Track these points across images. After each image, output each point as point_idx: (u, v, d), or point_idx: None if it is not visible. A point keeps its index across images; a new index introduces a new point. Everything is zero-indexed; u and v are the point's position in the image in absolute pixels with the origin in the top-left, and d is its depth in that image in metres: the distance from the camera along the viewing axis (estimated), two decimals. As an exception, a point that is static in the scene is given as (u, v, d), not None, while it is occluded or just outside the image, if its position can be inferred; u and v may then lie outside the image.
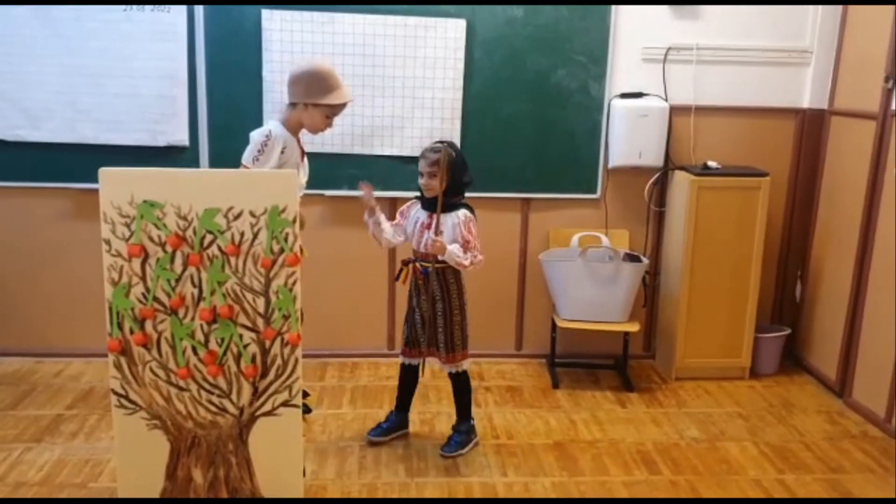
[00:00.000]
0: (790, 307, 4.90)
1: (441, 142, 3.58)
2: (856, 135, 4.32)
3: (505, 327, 4.88)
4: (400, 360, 3.81)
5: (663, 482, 3.52)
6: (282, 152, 3.35)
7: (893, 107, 4.00)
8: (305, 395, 3.93)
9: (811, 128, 4.65)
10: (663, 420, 4.12)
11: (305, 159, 3.62)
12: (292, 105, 3.45)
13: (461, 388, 3.77)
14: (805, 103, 4.65)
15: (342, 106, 3.47)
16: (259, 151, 3.31)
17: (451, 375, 3.74)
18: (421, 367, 3.77)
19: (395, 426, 3.86)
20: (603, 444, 3.86)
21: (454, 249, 3.48)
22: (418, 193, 3.65)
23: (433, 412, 4.15)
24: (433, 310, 3.62)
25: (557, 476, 3.56)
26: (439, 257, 3.51)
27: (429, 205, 3.56)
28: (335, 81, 3.41)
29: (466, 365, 3.72)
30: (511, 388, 4.49)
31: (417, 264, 3.59)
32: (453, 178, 3.50)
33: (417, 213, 3.62)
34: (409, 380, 3.84)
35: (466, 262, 3.52)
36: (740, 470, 3.62)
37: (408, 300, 3.73)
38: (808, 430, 4.04)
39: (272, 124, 3.44)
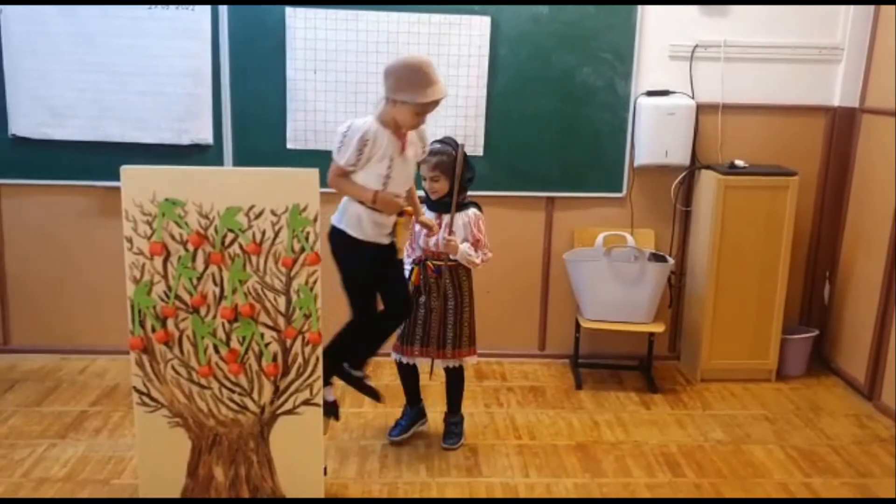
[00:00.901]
0: (818, 308, 4.82)
1: (441, 141, 3.58)
2: (887, 133, 4.23)
3: (528, 327, 4.85)
4: (394, 357, 3.80)
5: (687, 485, 3.48)
6: (364, 146, 3.08)
7: (927, 105, 3.92)
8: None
9: (841, 126, 4.57)
10: (688, 422, 4.07)
11: (409, 153, 3.30)
12: (385, 99, 3.17)
13: (458, 382, 3.83)
14: (836, 101, 4.57)
15: (433, 103, 3.16)
16: (340, 143, 3.12)
17: (449, 370, 3.77)
18: (430, 368, 3.76)
19: (413, 421, 3.87)
20: (626, 445, 3.82)
21: (466, 248, 3.56)
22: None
23: (455, 412, 4.14)
24: (444, 307, 3.64)
25: (580, 477, 3.52)
26: (451, 256, 3.57)
27: (436, 205, 3.58)
28: (426, 78, 3.12)
29: (472, 361, 3.80)
30: (534, 388, 4.46)
31: (430, 263, 3.61)
32: (459, 177, 3.52)
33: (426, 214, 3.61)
34: (409, 375, 3.84)
35: (478, 261, 3.62)
36: (766, 473, 3.57)
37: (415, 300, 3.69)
38: (836, 434, 3.97)
39: (364, 119, 3.17)
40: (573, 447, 3.79)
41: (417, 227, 3.55)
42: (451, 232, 3.54)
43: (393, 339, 3.70)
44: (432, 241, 3.57)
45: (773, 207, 4.33)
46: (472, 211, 3.63)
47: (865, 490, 3.45)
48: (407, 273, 3.62)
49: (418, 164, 3.46)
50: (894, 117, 4.15)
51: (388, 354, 3.82)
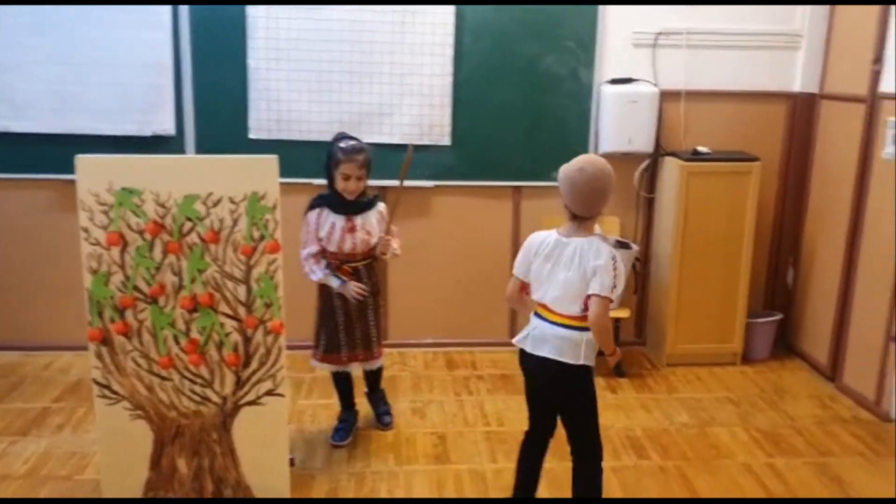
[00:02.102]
0: (782, 292, 4.88)
1: (349, 137, 3.50)
2: (846, 118, 4.28)
3: (498, 316, 4.85)
4: (324, 368, 3.65)
5: (652, 468, 3.51)
6: None
7: (881, 89, 3.97)
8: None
9: (802, 112, 4.62)
10: (653, 406, 4.11)
11: None
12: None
13: (380, 378, 3.84)
14: (796, 87, 4.62)
15: None
16: (613, 275, 2.66)
17: (373, 373, 3.75)
18: (366, 378, 3.77)
19: (353, 423, 3.79)
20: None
21: (395, 244, 3.57)
22: (323, 193, 3.50)
23: (424, 401, 4.15)
24: (366, 307, 3.55)
25: (547, 462, 3.52)
26: (386, 254, 3.53)
27: (344, 207, 3.44)
28: None
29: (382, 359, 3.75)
30: (504, 376, 4.47)
31: (345, 266, 3.49)
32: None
33: (329, 218, 3.45)
34: (344, 382, 3.74)
35: (399, 252, 3.61)
36: (729, 455, 3.61)
37: (325, 306, 3.56)
38: (798, 415, 4.03)
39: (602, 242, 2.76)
40: (540, 433, 3.81)
41: (332, 231, 3.43)
42: (389, 230, 3.52)
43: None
44: (348, 244, 3.45)
45: (735, 193, 4.37)
46: (380, 204, 3.58)
47: (827, 469, 3.51)
48: (336, 285, 3.46)
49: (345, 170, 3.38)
50: (852, 103, 4.21)
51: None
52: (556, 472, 3.27)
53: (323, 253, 3.49)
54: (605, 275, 2.63)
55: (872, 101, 4.03)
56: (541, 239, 2.78)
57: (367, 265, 3.55)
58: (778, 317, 4.75)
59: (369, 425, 3.84)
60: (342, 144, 3.42)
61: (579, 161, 2.72)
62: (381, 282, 3.69)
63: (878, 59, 3.98)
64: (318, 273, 3.46)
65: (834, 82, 4.46)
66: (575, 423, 2.86)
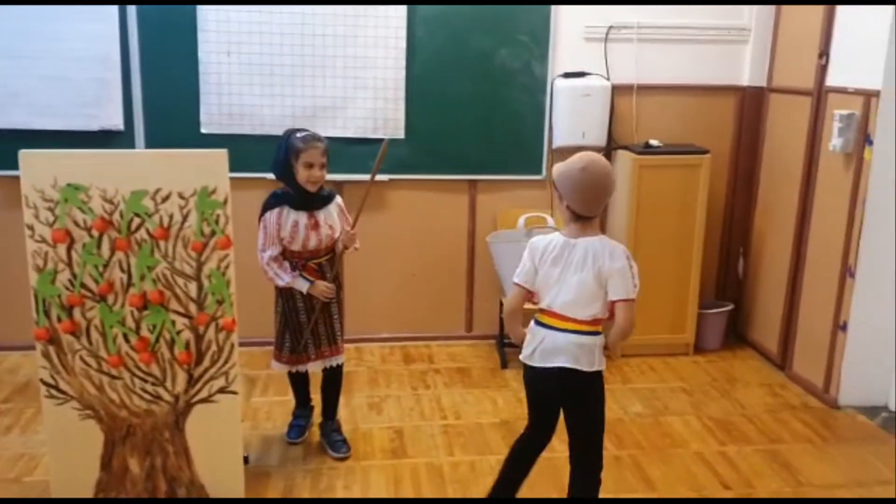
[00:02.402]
0: (733, 283, 4.96)
1: (302, 129, 3.39)
2: (793, 111, 4.37)
3: (455, 310, 4.87)
4: (283, 369, 3.53)
5: (607, 457, 3.46)
6: None
7: (827, 83, 4.06)
8: None
9: (751, 105, 4.70)
10: (608, 396, 4.00)
11: None
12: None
13: (340, 380, 3.63)
14: (745, 81, 4.70)
15: None
16: (633, 275, 2.65)
17: (333, 369, 3.56)
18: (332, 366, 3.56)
19: (308, 420, 3.72)
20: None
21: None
22: (278, 192, 3.35)
23: (381, 396, 4.14)
24: (329, 303, 3.45)
25: (503, 454, 3.51)
26: (349, 248, 3.46)
27: (305, 202, 3.32)
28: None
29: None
30: (461, 369, 4.49)
31: (310, 264, 3.38)
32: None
33: (290, 216, 3.30)
34: (301, 381, 3.65)
35: (359, 246, 3.53)
36: (683, 444, 3.66)
37: (287, 306, 3.42)
38: (749, 403, 4.10)
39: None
40: (497, 425, 3.83)
41: (294, 229, 3.29)
42: (354, 224, 3.48)
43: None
44: (313, 241, 3.34)
45: (687, 185, 4.44)
46: (338, 197, 3.49)
47: (777, 455, 3.58)
48: (306, 287, 3.34)
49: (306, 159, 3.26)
50: (799, 96, 4.29)
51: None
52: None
53: (284, 253, 3.36)
54: (626, 277, 2.58)
55: (819, 95, 4.12)
56: (545, 243, 2.67)
57: (329, 260, 3.47)
58: (729, 307, 4.83)
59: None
60: (299, 135, 3.31)
61: (579, 160, 2.61)
62: (341, 274, 3.61)
63: (824, 54, 4.06)
64: (284, 277, 3.32)
65: (781, 76, 4.54)
66: (584, 432, 2.75)
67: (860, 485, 3.36)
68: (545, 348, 2.66)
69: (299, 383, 3.67)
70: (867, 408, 4.00)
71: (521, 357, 2.75)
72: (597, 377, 2.68)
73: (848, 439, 3.75)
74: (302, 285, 3.35)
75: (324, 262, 3.43)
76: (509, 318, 2.83)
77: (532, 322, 2.74)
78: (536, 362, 2.68)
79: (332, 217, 3.43)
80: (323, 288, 3.36)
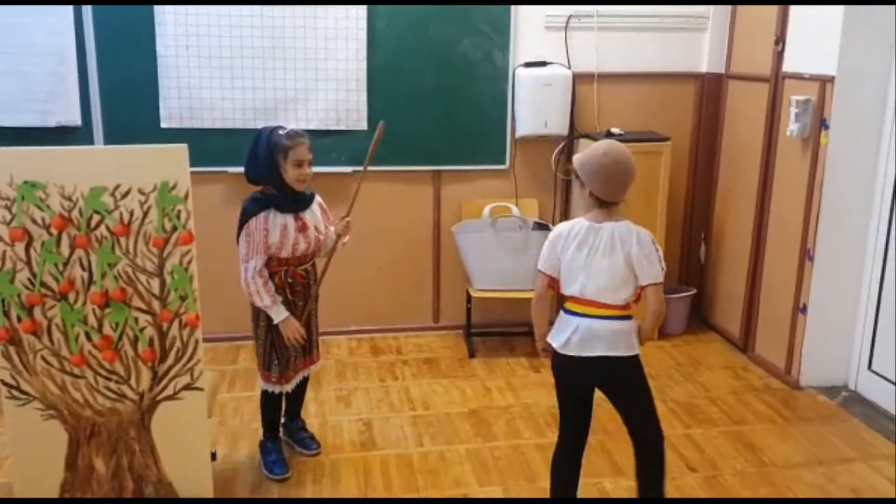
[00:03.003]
0: (695, 268, 5.03)
1: (273, 126, 3.18)
2: (751, 97, 4.43)
3: (422, 301, 4.87)
4: (281, 389, 3.28)
5: (574, 443, 3.58)
6: None
7: (784, 69, 4.12)
8: None
9: (710, 92, 4.76)
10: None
11: None
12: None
13: (308, 383, 3.51)
14: (703, 68, 4.75)
15: None
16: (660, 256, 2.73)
17: (305, 381, 3.44)
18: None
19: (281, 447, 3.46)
20: (516, 408, 3.91)
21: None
22: (258, 195, 3.14)
23: (350, 388, 4.14)
24: (310, 314, 3.32)
25: (472, 443, 3.59)
26: (345, 239, 3.34)
27: (293, 204, 3.16)
28: None
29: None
30: (429, 360, 4.50)
31: (298, 270, 3.21)
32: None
33: (278, 220, 3.11)
34: (280, 403, 3.39)
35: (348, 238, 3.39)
36: (649, 428, 3.71)
37: (271, 324, 3.17)
38: (713, 386, 4.17)
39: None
40: (466, 414, 3.85)
41: (283, 234, 3.12)
42: (349, 212, 3.35)
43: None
44: (302, 245, 3.17)
45: (648, 172, 4.47)
46: (318, 196, 3.36)
47: (741, 437, 3.64)
48: (282, 318, 3.14)
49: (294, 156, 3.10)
50: (757, 82, 4.36)
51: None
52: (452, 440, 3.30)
53: (269, 262, 3.13)
54: (653, 261, 2.61)
55: (776, 81, 4.18)
56: (568, 228, 2.66)
57: (313, 264, 3.31)
58: (692, 292, 4.90)
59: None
60: (282, 132, 3.09)
61: (600, 147, 2.63)
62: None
63: (780, 41, 4.12)
64: (266, 299, 3.07)
65: (739, 63, 4.60)
66: (640, 411, 2.73)
67: (821, 463, 3.43)
68: (581, 337, 2.63)
69: (278, 405, 3.39)
70: (827, 388, 4.09)
71: (555, 346, 2.70)
72: (636, 360, 2.68)
73: (809, 419, 3.83)
74: (279, 314, 3.12)
75: (309, 266, 3.28)
76: (537, 304, 2.77)
77: (561, 311, 2.72)
78: (573, 351, 2.64)
79: (317, 217, 3.28)
80: (295, 330, 3.16)
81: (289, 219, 3.14)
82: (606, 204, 2.62)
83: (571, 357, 2.65)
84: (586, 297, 2.63)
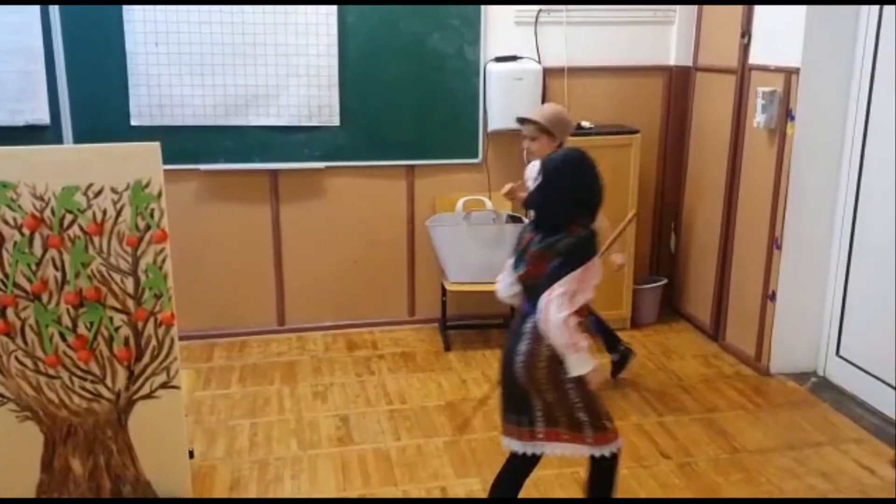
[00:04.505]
0: (666, 258, 5.10)
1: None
2: (718, 89, 4.50)
3: (397, 295, 4.88)
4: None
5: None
6: None
7: (750, 61, 4.18)
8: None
9: (678, 84, 4.82)
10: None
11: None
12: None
13: None
14: (672, 61, 4.81)
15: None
16: None
17: None
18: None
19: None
20: (493, 400, 3.88)
21: None
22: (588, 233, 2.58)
23: (326, 384, 4.14)
24: None
25: (449, 436, 3.61)
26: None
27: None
28: None
29: None
30: (405, 353, 4.52)
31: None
32: None
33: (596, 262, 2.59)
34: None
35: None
36: (623, 416, 3.75)
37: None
38: (685, 374, 4.24)
39: None
40: (443, 407, 3.88)
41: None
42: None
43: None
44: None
45: (619, 165, 4.53)
46: None
47: (713, 423, 3.71)
48: (591, 368, 2.51)
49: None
50: (724, 74, 4.42)
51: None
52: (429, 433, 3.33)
53: None
54: None
55: (742, 73, 4.25)
56: None
57: None
58: (663, 282, 4.96)
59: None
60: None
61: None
62: None
63: (746, 33, 4.19)
64: (582, 344, 2.45)
65: (707, 55, 4.66)
66: None
67: (792, 448, 3.51)
68: None
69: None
70: (797, 374, 4.17)
71: None
72: None
73: (779, 405, 3.91)
74: (587, 365, 2.48)
75: None
76: None
77: None
78: None
79: None
80: (600, 374, 2.57)
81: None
82: None
83: None
84: None
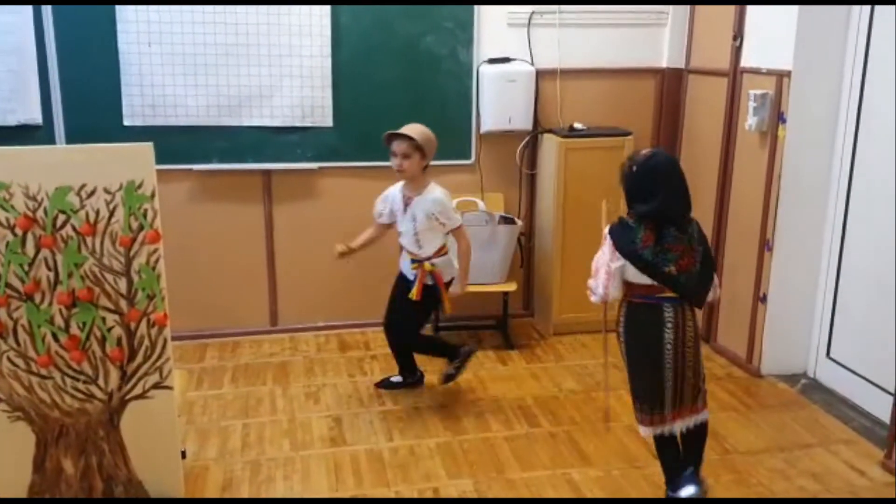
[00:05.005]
0: (659, 260, 5.10)
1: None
2: (710, 91, 4.51)
3: (388, 295, 4.86)
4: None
5: (542, 434, 3.64)
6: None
7: (742, 64, 4.20)
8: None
9: (671, 86, 4.84)
10: (542, 374, 4.25)
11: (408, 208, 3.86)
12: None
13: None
14: (664, 63, 4.82)
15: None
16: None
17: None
18: None
19: None
20: (485, 401, 3.95)
21: None
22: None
23: (318, 385, 4.15)
24: None
25: (442, 436, 3.62)
26: None
27: None
28: None
29: None
30: (397, 355, 4.52)
31: None
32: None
33: None
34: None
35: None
36: (616, 418, 3.76)
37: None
38: (677, 376, 4.24)
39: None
40: (435, 408, 3.89)
41: None
42: None
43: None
44: None
45: (611, 167, 4.46)
46: None
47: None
48: None
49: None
50: (716, 77, 4.43)
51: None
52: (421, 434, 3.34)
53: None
54: None
55: (734, 75, 4.26)
56: None
57: None
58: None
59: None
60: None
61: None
62: None
63: (738, 36, 4.21)
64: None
65: (699, 57, 4.68)
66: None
67: (782, 449, 3.52)
68: None
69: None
70: (787, 375, 4.19)
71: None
72: None
73: (770, 406, 3.93)
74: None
75: None
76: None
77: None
78: None
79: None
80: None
81: None
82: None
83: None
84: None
